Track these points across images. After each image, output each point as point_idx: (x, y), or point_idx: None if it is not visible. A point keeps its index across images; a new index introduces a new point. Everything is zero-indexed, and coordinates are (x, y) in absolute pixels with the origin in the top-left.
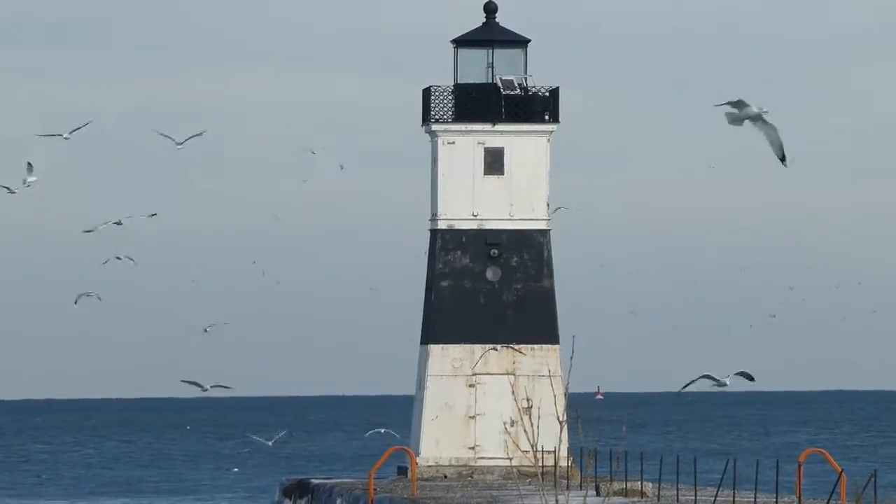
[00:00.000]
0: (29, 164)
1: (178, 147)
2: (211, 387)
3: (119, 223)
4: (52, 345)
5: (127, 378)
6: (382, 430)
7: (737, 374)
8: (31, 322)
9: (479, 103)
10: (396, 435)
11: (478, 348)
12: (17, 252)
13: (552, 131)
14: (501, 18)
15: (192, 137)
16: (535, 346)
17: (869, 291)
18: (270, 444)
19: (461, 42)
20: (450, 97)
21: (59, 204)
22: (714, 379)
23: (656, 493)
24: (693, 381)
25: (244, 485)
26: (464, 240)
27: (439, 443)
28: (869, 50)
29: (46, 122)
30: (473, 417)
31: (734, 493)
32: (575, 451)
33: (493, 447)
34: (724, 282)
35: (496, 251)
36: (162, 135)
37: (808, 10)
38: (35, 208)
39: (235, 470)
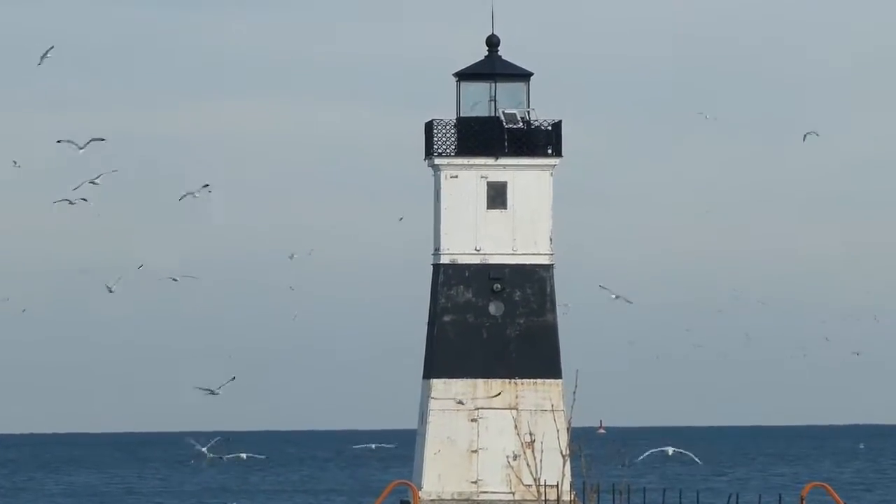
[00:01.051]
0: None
1: (80, 151)
2: (221, 388)
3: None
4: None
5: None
6: (374, 447)
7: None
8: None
9: (481, 137)
10: (388, 445)
11: (481, 383)
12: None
13: (555, 165)
14: (504, 51)
15: (92, 141)
16: (538, 381)
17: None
18: (204, 449)
19: (464, 75)
20: (452, 131)
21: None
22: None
23: None
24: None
25: None
26: (467, 274)
27: (441, 477)
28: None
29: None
30: (476, 452)
31: None
32: (577, 485)
33: (495, 481)
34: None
35: (499, 286)
36: (62, 141)
37: (810, 44)
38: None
39: None
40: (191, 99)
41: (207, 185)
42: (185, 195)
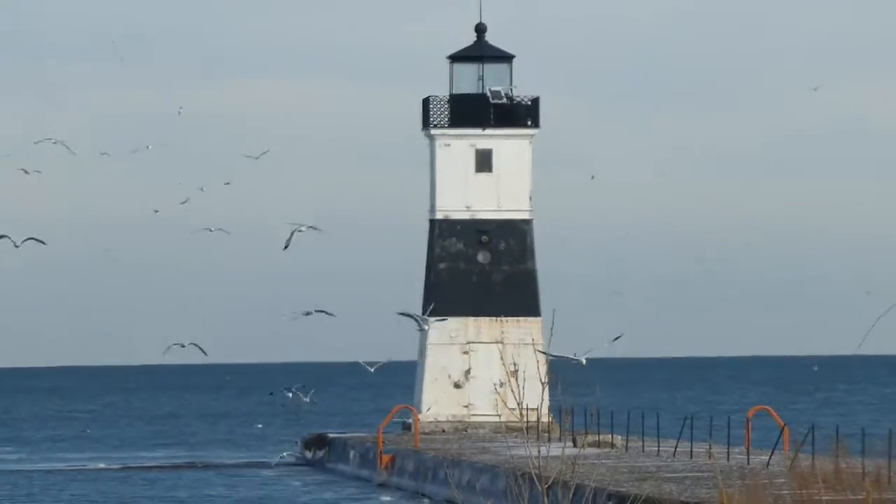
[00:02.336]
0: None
1: (17, 247)
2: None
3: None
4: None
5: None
6: (372, 370)
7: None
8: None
9: (471, 111)
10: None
11: (471, 321)
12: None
13: (534, 135)
14: (490, 37)
15: (28, 240)
16: (520, 319)
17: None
18: (307, 399)
19: (455, 58)
20: (446, 105)
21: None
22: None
23: (625, 445)
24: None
25: (269, 438)
26: (458, 228)
27: (438, 402)
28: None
29: (98, 131)
30: (467, 379)
31: (691, 444)
32: (555, 408)
33: (484, 406)
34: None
35: (486, 237)
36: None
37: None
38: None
39: (259, 426)
40: (205, 79)
41: (267, 150)
42: (253, 155)
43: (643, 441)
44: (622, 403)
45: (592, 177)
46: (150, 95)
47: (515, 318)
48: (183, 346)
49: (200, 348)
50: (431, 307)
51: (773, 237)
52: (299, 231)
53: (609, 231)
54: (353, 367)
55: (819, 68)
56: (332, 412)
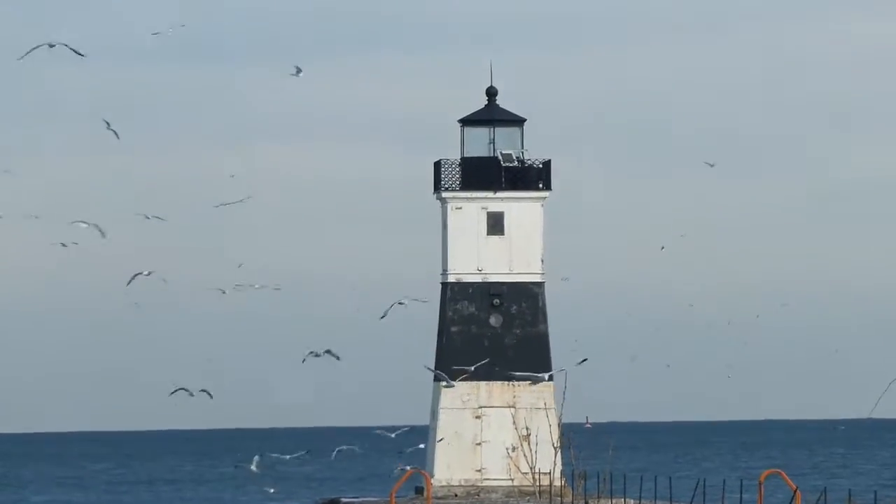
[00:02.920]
0: None
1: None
2: (198, 391)
3: None
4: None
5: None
6: (345, 447)
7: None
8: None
9: (482, 174)
10: (358, 450)
11: (483, 385)
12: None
13: (545, 197)
14: (501, 100)
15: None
16: (533, 383)
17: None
18: (287, 458)
19: (467, 121)
20: (457, 169)
21: None
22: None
23: None
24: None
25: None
26: (470, 291)
27: (450, 466)
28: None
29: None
30: (480, 444)
31: None
32: (567, 472)
33: (497, 470)
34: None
35: (498, 301)
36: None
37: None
38: None
39: (272, 490)
40: (223, 145)
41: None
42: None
43: None
44: (638, 467)
45: (662, 247)
46: (156, 160)
47: (528, 383)
48: (191, 394)
49: (209, 393)
50: (452, 372)
51: (798, 298)
52: (400, 303)
53: (622, 293)
54: (362, 434)
55: (836, 129)
56: (323, 477)
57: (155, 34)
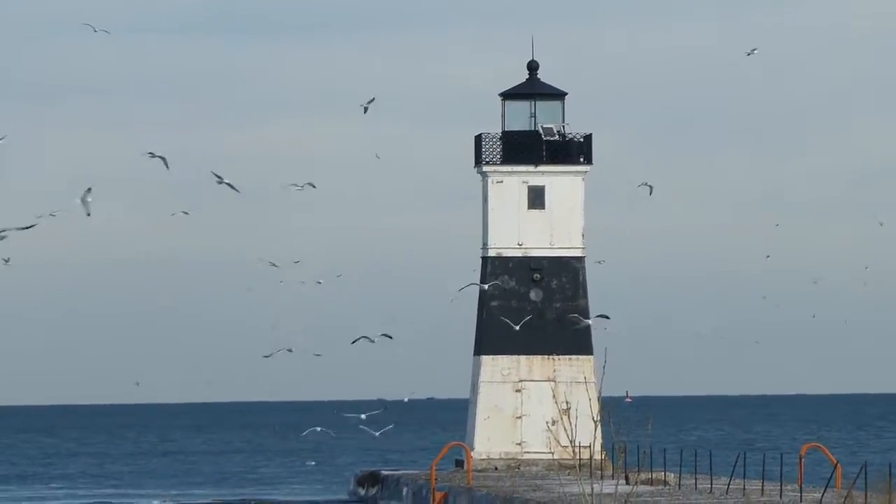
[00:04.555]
0: None
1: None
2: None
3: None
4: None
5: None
6: (318, 429)
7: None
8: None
9: (523, 148)
10: (331, 432)
11: (523, 359)
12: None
13: (586, 171)
14: (542, 74)
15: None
16: (572, 357)
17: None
18: (377, 434)
19: (508, 95)
20: (498, 143)
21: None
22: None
23: (677, 482)
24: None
25: (320, 476)
26: (510, 265)
27: (490, 439)
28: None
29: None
30: (520, 418)
31: (744, 482)
32: (607, 445)
33: (537, 443)
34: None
35: (538, 275)
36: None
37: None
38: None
39: (312, 463)
40: (269, 120)
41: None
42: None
43: (696, 478)
44: (678, 441)
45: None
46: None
47: (567, 357)
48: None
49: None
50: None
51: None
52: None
53: (662, 268)
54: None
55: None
56: (363, 448)
57: None
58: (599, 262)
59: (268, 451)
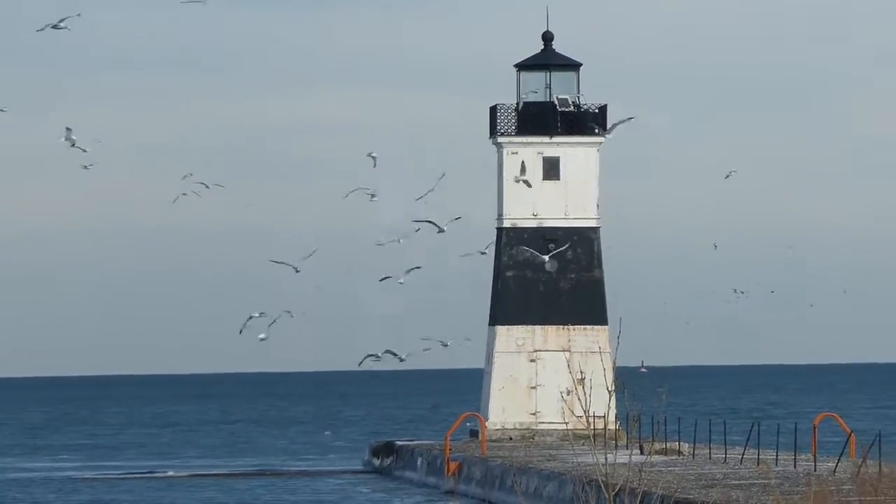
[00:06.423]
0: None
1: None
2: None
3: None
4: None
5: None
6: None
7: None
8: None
9: (538, 119)
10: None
11: (538, 329)
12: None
13: (601, 142)
14: (557, 45)
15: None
16: (587, 327)
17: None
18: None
19: (523, 66)
20: (513, 114)
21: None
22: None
23: (691, 452)
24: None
25: (336, 445)
26: (526, 236)
27: (505, 410)
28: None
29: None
30: (534, 388)
31: (758, 451)
32: (622, 416)
33: (551, 413)
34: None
35: (553, 246)
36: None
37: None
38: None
39: (328, 433)
40: (290, 90)
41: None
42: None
43: (710, 448)
44: (693, 410)
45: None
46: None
47: (582, 327)
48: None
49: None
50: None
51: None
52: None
53: (675, 238)
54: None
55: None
56: (374, 418)
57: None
58: (608, 248)
59: (295, 423)
